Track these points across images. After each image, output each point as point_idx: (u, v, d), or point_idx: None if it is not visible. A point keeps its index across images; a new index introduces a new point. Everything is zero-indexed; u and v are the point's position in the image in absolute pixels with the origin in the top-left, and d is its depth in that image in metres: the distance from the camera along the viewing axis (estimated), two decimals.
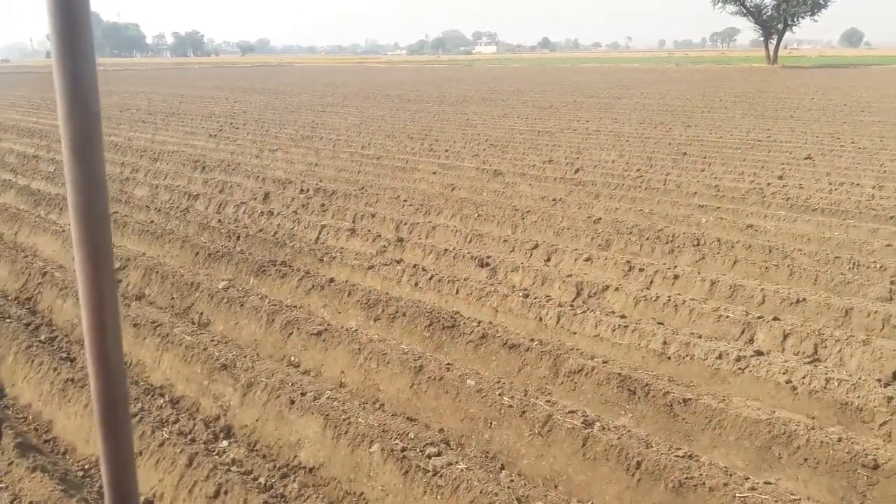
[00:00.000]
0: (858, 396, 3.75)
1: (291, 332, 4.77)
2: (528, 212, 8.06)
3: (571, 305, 5.10)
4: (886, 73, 43.04)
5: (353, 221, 7.97)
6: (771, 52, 57.96)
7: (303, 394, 3.82)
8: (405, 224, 7.65)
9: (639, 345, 4.54)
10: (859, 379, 3.85)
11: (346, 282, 5.72)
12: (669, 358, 4.38)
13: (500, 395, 3.76)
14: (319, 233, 7.57)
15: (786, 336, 4.53)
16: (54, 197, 8.96)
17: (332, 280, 5.69)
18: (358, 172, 11.01)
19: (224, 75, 54.02)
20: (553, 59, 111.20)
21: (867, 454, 3.14)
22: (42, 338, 4.73)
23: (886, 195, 8.54)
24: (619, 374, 3.93)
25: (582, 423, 3.45)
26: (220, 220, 7.92)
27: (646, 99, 25.48)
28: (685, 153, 12.20)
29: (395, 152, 13.00)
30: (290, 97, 28.74)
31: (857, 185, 9.20)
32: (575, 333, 4.81)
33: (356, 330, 4.69)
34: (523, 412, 3.60)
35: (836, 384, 3.83)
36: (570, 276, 5.72)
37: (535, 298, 5.23)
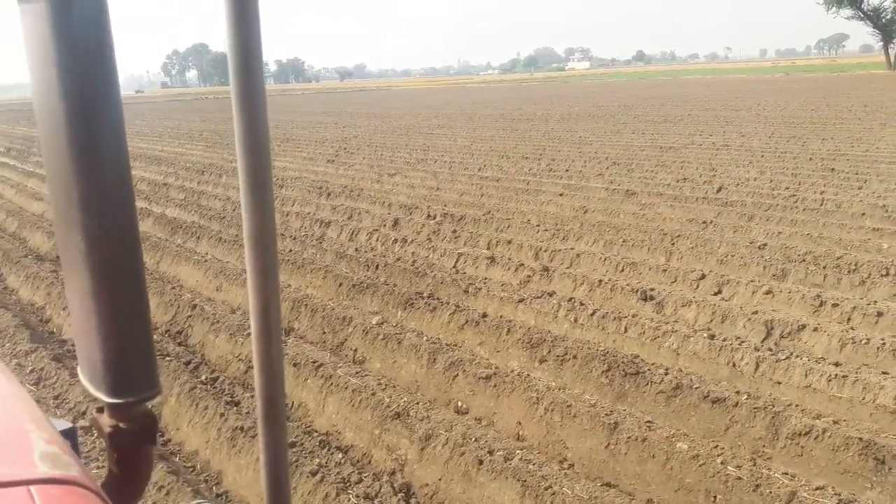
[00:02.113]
0: None
1: (457, 375, 4.41)
2: (679, 236, 7.45)
3: (771, 349, 4.50)
4: None
5: (489, 248, 7.62)
6: (892, 58, 54.09)
7: (490, 452, 3.43)
8: (544, 251, 7.22)
9: (863, 399, 3.90)
10: None
11: (501, 317, 5.34)
12: None
13: (721, 462, 3.24)
14: (457, 261, 7.24)
15: None
16: (190, 225, 9.09)
17: (485, 315, 5.33)
18: (480, 196, 10.69)
19: (327, 101, 55.63)
20: (650, 72, 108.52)
21: None
22: (203, 378, 4.58)
23: None
24: (860, 438, 3.33)
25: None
26: (356, 249, 7.75)
27: (765, 111, 24.06)
28: (833, 169, 11.19)
29: (513, 174, 12.62)
30: (396, 120, 29.01)
31: None
32: (779, 383, 4.21)
33: (528, 375, 4.28)
34: (756, 486, 3.07)
35: None
36: (755, 312, 5.11)
37: (724, 340, 4.66)
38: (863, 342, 4.50)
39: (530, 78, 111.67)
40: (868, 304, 5.12)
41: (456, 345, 4.97)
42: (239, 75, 0.88)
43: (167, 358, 4.79)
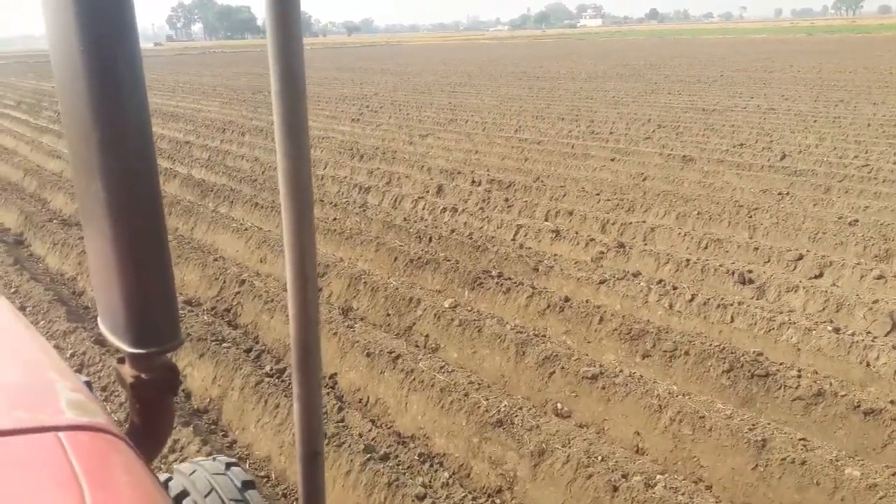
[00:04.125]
0: None
1: (553, 372, 3.89)
2: (756, 209, 6.86)
3: None
4: None
5: (548, 219, 7.05)
6: None
7: (624, 476, 2.93)
8: (612, 224, 6.65)
9: None
10: None
11: (588, 302, 4.80)
12: None
13: None
14: (516, 234, 6.68)
15: None
16: (221, 188, 8.53)
17: (567, 299, 4.79)
18: (524, 160, 10.07)
19: (338, 56, 54.36)
20: (666, 31, 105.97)
21: None
22: (268, 369, 4.07)
23: None
24: None
25: None
26: (405, 219, 7.18)
27: (801, 73, 23.13)
28: None
29: (553, 136, 11.96)
30: (414, 77, 28.12)
31: None
32: None
33: (641, 377, 3.75)
34: None
35: None
36: (875, 301, 4.56)
37: (852, 335, 4.12)
38: None
39: (543, 35, 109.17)
40: None
41: (541, 334, 4.44)
42: (276, 22, 0.87)
43: (224, 344, 4.28)
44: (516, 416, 3.39)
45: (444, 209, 7.49)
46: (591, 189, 8.04)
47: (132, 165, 0.91)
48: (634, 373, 3.79)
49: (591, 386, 3.73)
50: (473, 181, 8.75)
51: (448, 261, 5.65)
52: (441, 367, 3.91)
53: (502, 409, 3.43)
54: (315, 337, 1.02)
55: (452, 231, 6.69)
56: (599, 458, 3.06)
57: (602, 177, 8.78)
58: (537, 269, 5.57)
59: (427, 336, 4.59)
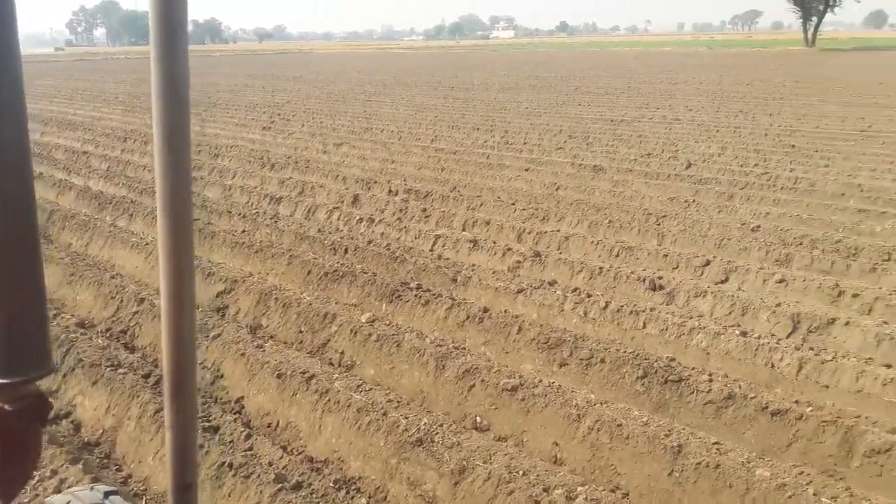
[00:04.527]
0: None
1: (473, 385, 3.83)
2: (665, 217, 7.06)
3: (813, 349, 4.11)
4: None
5: (466, 229, 7.02)
6: (809, 35, 56.13)
7: (546, 489, 2.88)
8: (528, 233, 6.69)
9: None
10: None
11: (507, 312, 4.77)
12: None
13: (814, 494, 2.80)
14: (434, 244, 6.62)
15: None
16: (120, 200, 8.08)
17: (486, 310, 4.74)
18: (441, 170, 10.05)
19: (249, 63, 53.13)
20: (576, 43, 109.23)
21: None
22: None
23: None
24: None
25: None
26: (319, 230, 6.98)
27: (702, 85, 24.25)
28: (793, 146, 11.10)
29: (469, 146, 12.01)
30: (327, 85, 27.78)
31: None
32: (827, 387, 3.83)
33: (560, 387, 3.74)
34: None
35: None
36: (778, 304, 4.73)
37: (759, 338, 4.26)
38: None
39: (457, 45, 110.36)
40: (890, 294, 4.83)
41: (461, 347, 4.37)
42: (160, 29, 0.83)
43: (119, 369, 3.99)
44: (436, 433, 3.29)
45: (361, 219, 7.35)
46: (507, 199, 8.09)
47: (4, 185, 0.85)
48: (553, 382, 3.77)
49: (510, 398, 3.68)
50: (390, 191, 8.65)
51: (365, 273, 5.51)
52: (358, 386, 3.77)
53: (422, 426, 3.33)
54: (191, 360, 0.97)
55: (369, 242, 6.55)
56: (520, 472, 3.00)
57: (517, 186, 8.85)
58: (456, 280, 5.52)
59: (343, 353, 4.44)
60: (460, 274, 5.57)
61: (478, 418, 3.72)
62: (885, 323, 4.45)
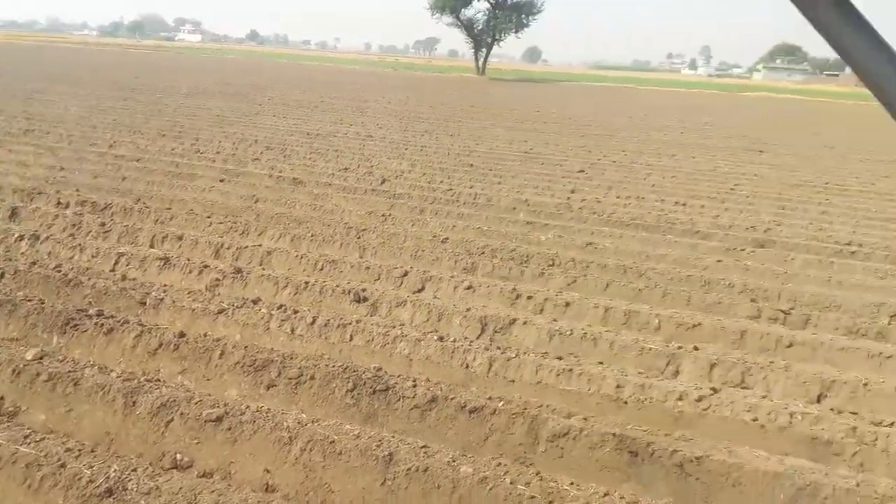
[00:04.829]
0: (822, 429, 3.80)
1: (171, 420, 3.50)
2: (364, 230, 7.28)
3: (500, 348, 4.55)
4: (575, 88, 49.24)
5: (154, 246, 6.45)
6: (480, 64, 62.92)
7: None
8: (227, 248, 6.38)
9: (589, 390, 4.17)
10: (819, 412, 3.92)
11: (206, 335, 4.47)
12: (626, 402, 4.07)
13: (511, 482, 3.08)
14: (116, 263, 5.96)
15: (712, 366, 4.52)
16: None
17: (182, 335, 4.40)
18: (122, 179, 9.12)
19: None
20: (267, 52, 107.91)
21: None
22: None
23: (672, 209, 9.38)
24: (613, 434, 3.50)
25: None
26: None
27: (391, 105, 25.65)
28: (472, 165, 12.29)
29: (155, 153, 11.11)
30: None
31: (642, 198, 10.01)
32: (513, 381, 4.28)
33: (269, 410, 3.60)
34: (550, 503, 2.99)
35: (799, 418, 3.85)
36: (468, 309, 5.16)
37: (454, 342, 4.58)
38: (567, 333, 4.85)
39: (139, 44, 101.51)
40: (555, 295, 5.58)
41: (154, 378, 3.97)
42: None
43: None
44: (129, 479, 2.94)
45: (21, 237, 6.31)
46: (202, 211, 7.63)
47: None
48: (262, 406, 3.62)
49: (215, 429, 3.44)
50: (59, 202, 7.59)
51: (29, 301, 4.73)
52: (25, 437, 3.20)
53: (111, 474, 2.94)
54: None
55: (34, 264, 5.64)
56: None
57: (212, 198, 8.40)
58: (145, 303, 5.02)
59: (2, 398, 3.74)
60: (150, 296, 5.08)
61: (178, 455, 3.41)
62: (555, 320, 5.13)
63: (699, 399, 4.01)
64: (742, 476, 3.29)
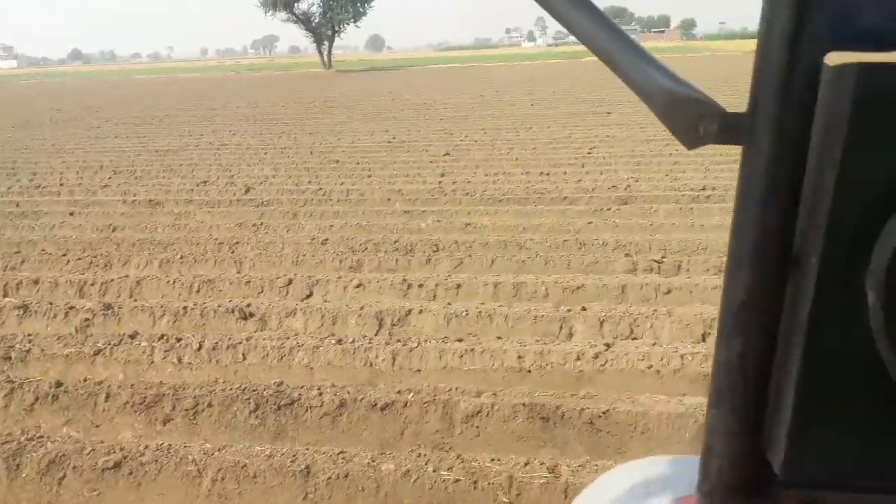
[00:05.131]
0: (706, 368, 4.10)
1: (64, 476, 3.24)
2: (237, 243, 7.02)
3: (401, 340, 4.54)
4: (424, 73, 49.70)
5: (7, 294, 5.90)
6: (325, 58, 61.95)
7: None
8: (91, 284, 5.94)
9: (493, 366, 4.25)
10: (706, 349, 4.22)
11: (87, 380, 4.15)
12: (529, 371, 4.20)
13: (433, 470, 3.10)
14: None
15: (602, 323, 4.74)
16: None
17: (59, 384, 4.06)
18: None
19: None
20: (95, 72, 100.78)
21: None
22: None
23: (538, 180, 9.72)
24: (524, 404, 3.60)
25: (550, 474, 3.04)
26: None
27: (240, 109, 24.76)
28: (338, 161, 12.12)
29: None
30: None
31: (508, 173, 10.29)
32: (419, 371, 4.29)
33: (170, 447, 3.40)
34: (475, 482, 3.03)
35: (689, 358, 4.13)
36: (362, 308, 5.11)
37: (352, 342, 4.53)
38: (463, 315, 4.93)
39: None
40: (445, 279, 5.64)
41: (37, 436, 3.64)
42: None
43: None
44: None
45: None
46: (56, 250, 7.05)
47: None
48: (162, 443, 3.42)
49: (115, 476, 3.21)
50: None
51: None
52: None
53: None
54: None
55: None
56: None
57: (65, 234, 7.77)
58: (10, 358, 4.58)
59: None
60: (14, 349, 4.65)
61: None
62: (449, 304, 5.19)
63: (595, 356, 4.20)
64: (649, 422, 3.49)
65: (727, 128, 0.52)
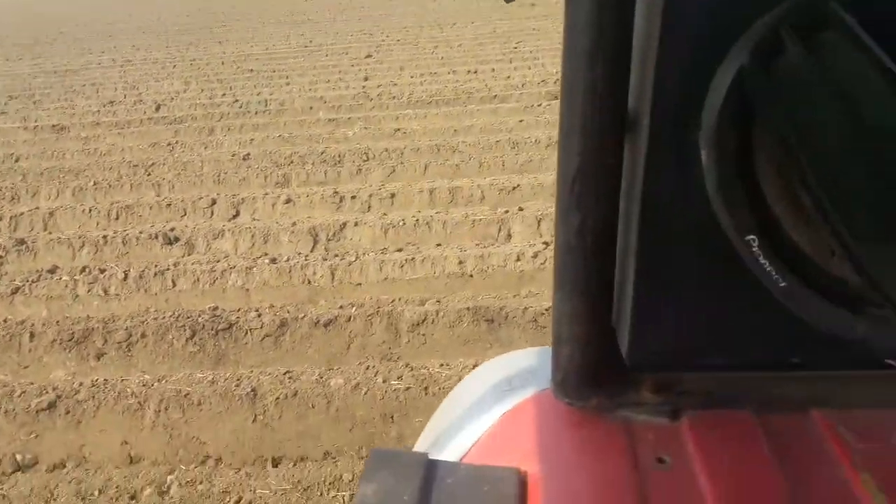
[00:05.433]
0: None
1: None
2: (153, 165, 6.63)
3: (339, 255, 4.43)
4: None
5: None
6: None
7: (133, 496, 2.52)
8: None
9: (435, 273, 4.21)
10: None
11: (6, 321, 3.91)
12: (472, 276, 4.18)
13: (383, 381, 3.08)
14: None
15: (539, 222, 4.73)
16: None
17: None
18: None
19: None
20: None
21: None
22: None
23: (466, 79, 9.47)
24: (468, 308, 3.59)
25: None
26: None
27: (141, 22, 23.06)
28: (252, 70, 11.49)
29: None
30: None
31: (435, 73, 9.98)
32: (360, 285, 4.21)
33: (118, 384, 3.26)
34: (426, 388, 3.04)
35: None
36: (294, 223, 4.94)
37: (288, 260, 4.39)
38: (400, 224, 4.83)
39: None
40: (380, 188, 5.50)
41: None
42: None
43: None
44: None
45: None
46: None
47: None
48: (97, 379, 3.27)
49: (51, 416, 3.07)
50: None
51: None
52: None
53: None
54: None
55: None
56: (97, 491, 2.56)
57: None
58: None
59: None
60: None
61: (18, 456, 3.02)
62: (385, 214, 5.07)
63: (535, 255, 4.20)
64: None
65: None
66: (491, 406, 0.69)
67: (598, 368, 0.56)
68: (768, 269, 0.46)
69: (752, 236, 0.46)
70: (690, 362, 0.52)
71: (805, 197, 0.43)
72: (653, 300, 0.50)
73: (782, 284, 0.47)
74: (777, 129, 0.42)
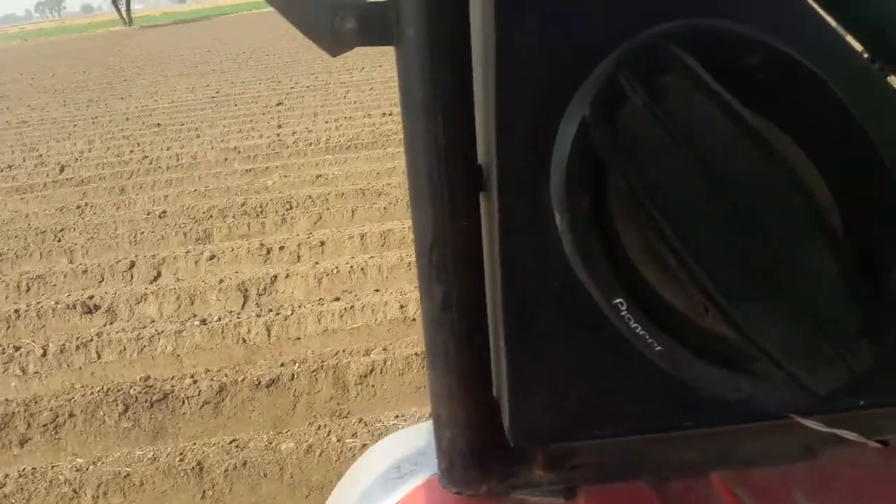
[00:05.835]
0: None
1: None
2: (63, 230, 6.28)
3: (273, 310, 4.27)
4: (238, 21, 46.87)
5: None
6: (124, 14, 56.58)
7: None
8: None
9: (377, 320, 4.13)
10: None
11: None
12: (415, 320, 4.12)
13: (337, 440, 2.97)
14: None
15: None
16: None
17: None
18: None
19: None
20: None
21: None
22: None
23: (382, 121, 9.50)
24: (416, 353, 3.53)
25: None
26: None
27: (36, 80, 22.10)
28: (159, 124, 11.15)
29: None
30: None
31: (350, 118, 9.97)
32: (300, 339, 4.08)
33: (35, 469, 3.00)
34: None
35: None
36: (221, 280, 4.76)
37: (218, 321, 4.21)
38: (334, 272, 4.73)
39: None
40: (308, 238, 5.38)
41: None
42: None
43: None
44: None
45: None
46: None
47: None
48: (24, 468, 3.00)
49: None
50: None
51: None
52: None
53: None
54: None
55: None
56: None
57: None
58: None
59: None
60: None
61: None
62: (317, 263, 4.96)
63: None
64: None
65: (369, 25, 0.44)
66: (380, 499, 0.65)
67: (485, 450, 0.53)
68: (641, 332, 0.43)
69: (619, 300, 0.42)
70: (575, 432, 0.49)
71: (667, 253, 0.40)
72: (527, 369, 0.47)
73: (658, 349, 0.44)
74: (627, 182, 0.39)
